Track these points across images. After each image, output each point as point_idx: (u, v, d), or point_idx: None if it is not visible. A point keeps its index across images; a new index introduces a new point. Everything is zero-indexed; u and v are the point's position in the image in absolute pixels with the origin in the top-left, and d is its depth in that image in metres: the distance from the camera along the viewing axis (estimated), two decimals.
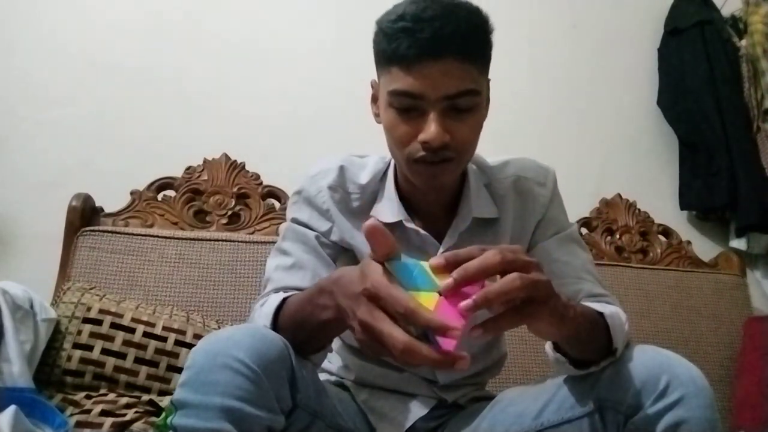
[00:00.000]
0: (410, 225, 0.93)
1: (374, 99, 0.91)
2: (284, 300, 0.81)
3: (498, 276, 0.59)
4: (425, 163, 0.82)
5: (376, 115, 0.90)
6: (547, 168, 1.01)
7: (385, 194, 0.96)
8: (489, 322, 0.59)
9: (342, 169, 0.96)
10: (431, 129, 0.79)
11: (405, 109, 0.81)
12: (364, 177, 0.97)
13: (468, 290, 0.58)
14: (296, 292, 0.86)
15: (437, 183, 0.86)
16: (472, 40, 0.79)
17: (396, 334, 0.56)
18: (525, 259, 0.61)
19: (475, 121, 0.83)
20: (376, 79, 0.88)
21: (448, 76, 0.78)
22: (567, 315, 0.67)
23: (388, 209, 0.94)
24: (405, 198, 0.95)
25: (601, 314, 0.77)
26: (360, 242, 0.95)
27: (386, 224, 0.93)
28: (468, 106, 0.81)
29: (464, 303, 0.56)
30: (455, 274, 0.58)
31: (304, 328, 0.76)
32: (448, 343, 0.55)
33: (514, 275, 0.58)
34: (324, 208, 0.95)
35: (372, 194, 0.97)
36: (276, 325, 0.79)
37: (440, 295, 0.58)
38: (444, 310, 0.57)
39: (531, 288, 0.59)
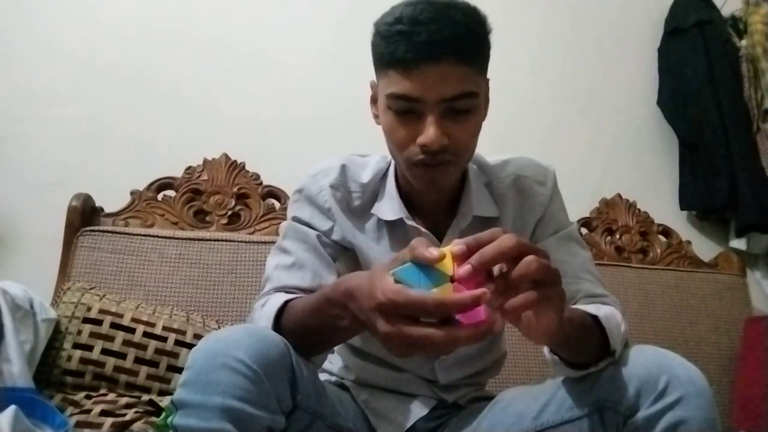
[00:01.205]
0: (411, 223, 0.93)
1: (373, 100, 0.91)
2: (286, 302, 0.81)
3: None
4: (424, 166, 0.82)
5: (376, 117, 0.90)
6: (546, 167, 1.01)
7: (386, 192, 0.96)
8: (506, 306, 0.59)
9: (343, 168, 0.96)
10: (429, 132, 0.78)
11: (403, 112, 0.81)
12: (365, 176, 0.97)
13: (478, 280, 0.59)
14: (297, 292, 0.87)
15: (437, 186, 0.86)
16: (469, 42, 0.78)
17: (430, 332, 0.57)
18: (535, 246, 0.62)
19: (474, 123, 0.83)
20: (375, 80, 0.88)
21: (446, 79, 0.77)
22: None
23: (389, 207, 0.94)
24: (406, 196, 0.95)
25: (594, 318, 0.77)
26: (361, 241, 0.95)
27: (387, 222, 0.94)
28: (466, 108, 0.80)
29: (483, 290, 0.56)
30: (473, 260, 0.58)
31: (312, 335, 0.76)
32: (477, 315, 0.57)
33: (531, 258, 0.59)
34: (325, 206, 0.95)
35: (373, 193, 0.97)
36: (278, 326, 0.79)
37: (452, 282, 0.59)
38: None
39: (545, 271, 0.59)
